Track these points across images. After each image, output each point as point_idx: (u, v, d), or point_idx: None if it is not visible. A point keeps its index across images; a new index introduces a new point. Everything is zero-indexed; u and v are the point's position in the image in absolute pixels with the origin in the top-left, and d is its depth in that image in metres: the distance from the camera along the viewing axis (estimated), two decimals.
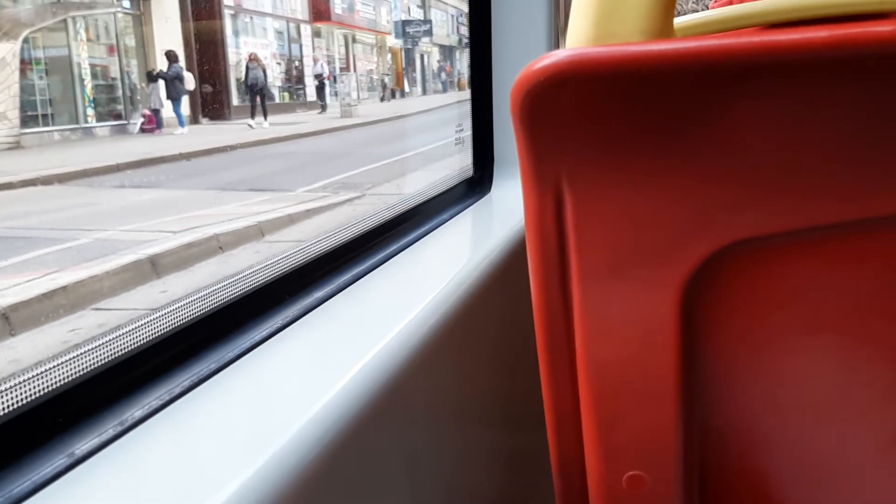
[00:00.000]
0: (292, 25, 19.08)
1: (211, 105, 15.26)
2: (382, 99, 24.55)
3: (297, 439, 0.54)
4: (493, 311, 1.02)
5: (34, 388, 0.54)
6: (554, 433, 0.61)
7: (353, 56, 23.46)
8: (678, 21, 0.77)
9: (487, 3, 1.48)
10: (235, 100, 16.26)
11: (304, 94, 17.37)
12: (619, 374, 0.57)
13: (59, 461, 0.50)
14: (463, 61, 41.76)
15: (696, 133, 0.49)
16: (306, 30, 19.55)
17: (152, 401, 0.58)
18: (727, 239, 0.53)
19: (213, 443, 0.54)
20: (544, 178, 0.52)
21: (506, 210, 1.37)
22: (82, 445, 0.52)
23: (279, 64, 17.85)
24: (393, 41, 27.52)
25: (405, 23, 28.57)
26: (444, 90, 35.38)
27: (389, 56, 27.82)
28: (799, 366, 0.58)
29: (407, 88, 29.91)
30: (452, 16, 39.19)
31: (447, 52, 38.87)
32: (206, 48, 15.56)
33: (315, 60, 17.45)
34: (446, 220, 1.23)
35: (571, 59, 0.47)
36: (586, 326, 0.56)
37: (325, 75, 16.87)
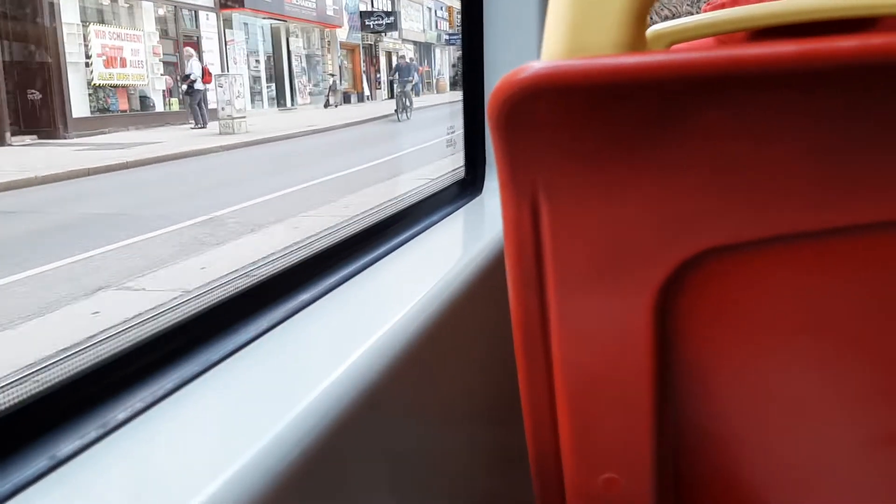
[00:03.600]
0: (186, 12, 14.87)
1: (34, 116, 11.19)
2: (328, 104, 20.20)
3: (279, 440, 0.54)
4: (480, 312, 1.01)
5: (17, 390, 0.55)
6: (531, 436, 0.63)
7: (289, 53, 19.25)
8: (668, 24, 0.76)
9: (479, 5, 1.40)
10: (85, 109, 11.94)
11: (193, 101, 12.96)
12: (595, 378, 0.60)
13: (40, 463, 0.50)
14: (444, 61, 38.16)
15: (669, 143, 0.51)
16: (209, 18, 15.42)
17: (135, 403, 0.58)
18: (700, 246, 0.55)
19: (194, 444, 0.55)
20: (521, 187, 0.54)
21: (496, 211, 1.11)
22: (65, 447, 0.52)
23: (164, 63, 13.64)
24: (348, 36, 23.29)
25: (365, 14, 24.28)
26: (416, 93, 31.55)
27: (343, 53, 23.65)
28: (772, 369, 0.60)
29: (367, 91, 25.68)
30: (430, 9, 35.06)
31: (424, 49, 34.86)
32: (22, 38, 11.54)
33: (188, 58, 13.14)
34: (437, 222, 1.21)
35: (545, 71, 0.50)
36: (562, 332, 0.58)
37: (196, 78, 12.68)
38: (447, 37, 34.71)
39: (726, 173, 0.52)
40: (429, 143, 10.78)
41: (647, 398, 0.59)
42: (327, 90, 20.88)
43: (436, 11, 34.05)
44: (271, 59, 18.79)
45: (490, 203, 1.37)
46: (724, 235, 0.54)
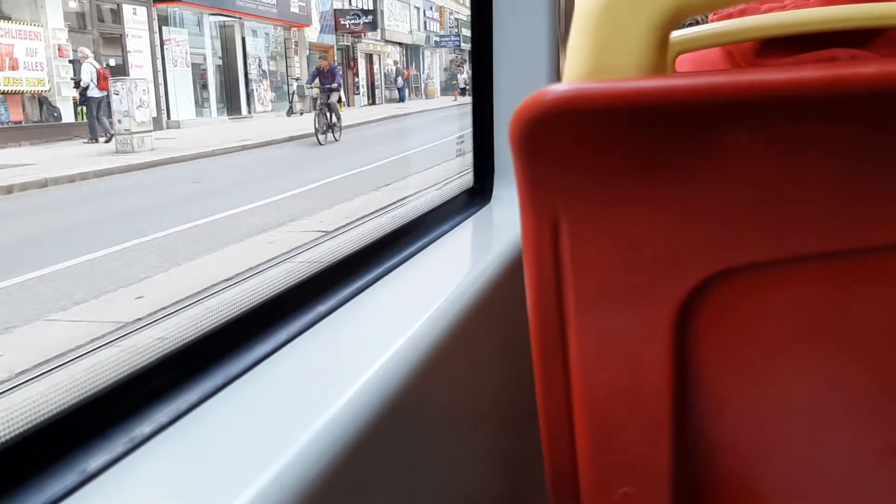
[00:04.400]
0: (107, 7, 12.72)
1: None
2: (292, 112, 18.03)
3: (302, 453, 0.56)
4: (493, 321, 1.02)
5: (47, 406, 0.57)
6: (548, 450, 0.64)
7: (245, 55, 17.11)
8: (678, 34, 0.77)
9: (489, 14, 1.40)
10: None
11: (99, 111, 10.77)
12: (613, 394, 0.61)
13: (72, 477, 0.52)
14: (434, 64, 35.87)
15: (689, 165, 0.53)
16: (136, 13, 13.29)
17: (160, 417, 0.59)
18: (719, 266, 0.56)
19: (220, 457, 0.57)
20: (541, 207, 0.56)
21: (505, 220, 1.34)
22: (94, 462, 0.54)
23: (72, 63, 11.50)
24: (319, 36, 21.17)
25: (340, 13, 22.11)
26: (401, 99, 29.08)
27: (316, 56, 21.55)
28: (789, 387, 0.61)
29: (343, 97, 23.58)
30: (418, 9, 32.81)
31: (411, 52, 32.63)
32: None
33: (82, 59, 10.94)
34: (447, 231, 1.22)
35: (568, 94, 0.51)
36: (581, 348, 0.59)
37: (87, 84, 10.52)
38: (437, 38, 32.54)
39: (746, 195, 0.53)
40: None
41: (665, 414, 0.60)
42: (291, 96, 18.71)
43: (424, 11, 31.88)
44: (224, 61, 16.63)
45: (499, 212, 1.38)
46: (743, 256, 0.56)
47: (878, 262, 0.56)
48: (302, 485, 0.54)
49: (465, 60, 35.30)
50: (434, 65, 32.87)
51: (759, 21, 0.80)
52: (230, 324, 0.75)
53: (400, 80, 27.63)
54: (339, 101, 13.12)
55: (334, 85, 12.89)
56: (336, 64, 14.87)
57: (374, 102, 25.47)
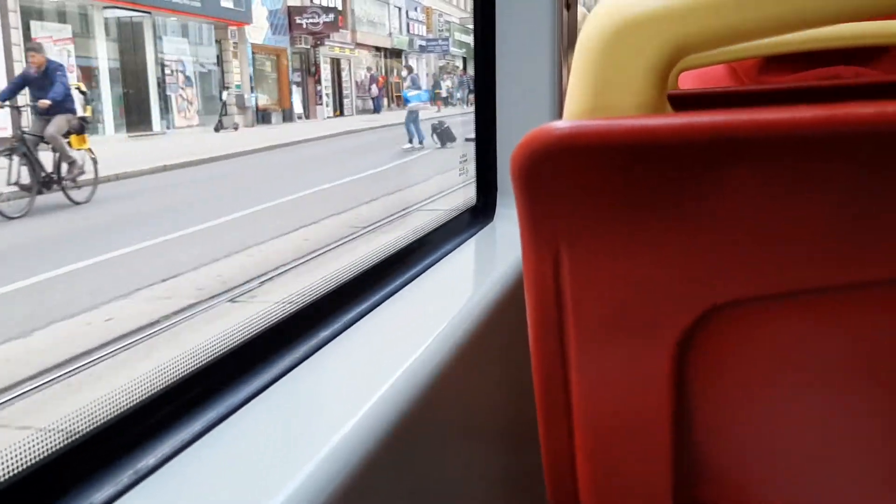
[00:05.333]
0: None
1: None
2: (221, 127, 14.93)
3: (306, 482, 0.57)
4: (497, 340, 1.03)
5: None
6: (550, 472, 0.65)
7: (158, 58, 14.07)
8: None
9: (492, 32, 1.43)
10: None
11: None
12: (615, 421, 0.62)
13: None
14: (420, 70, 32.74)
15: (689, 201, 0.54)
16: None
17: (164, 448, 0.61)
18: (718, 299, 0.58)
19: (222, 488, 0.59)
20: (543, 238, 0.57)
21: (508, 239, 1.36)
22: (100, 495, 0.56)
23: None
24: (266, 38, 18.09)
25: (296, 11, 18.99)
26: (377, 109, 25.87)
27: (264, 60, 18.42)
28: (789, 416, 0.62)
29: (298, 109, 20.28)
30: (399, 9, 29.58)
31: (393, 57, 29.42)
32: None
33: None
34: (451, 251, 1.24)
35: (569, 131, 0.53)
36: (582, 378, 0.60)
37: None
38: (423, 42, 29.44)
39: (745, 230, 0.54)
40: None
41: (665, 441, 0.61)
42: (222, 108, 15.62)
43: (408, 12, 28.69)
44: (127, 66, 13.57)
45: (502, 230, 1.39)
46: (742, 290, 0.56)
47: (878, 295, 0.56)
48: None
49: (458, 67, 32.49)
50: (420, 71, 29.88)
51: (764, 39, 0.77)
52: (230, 354, 0.75)
53: (374, 88, 24.56)
54: (78, 130, 6.86)
55: (47, 102, 6.64)
56: (59, 64, 7.38)
57: (341, 114, 22.37)
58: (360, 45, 23.88)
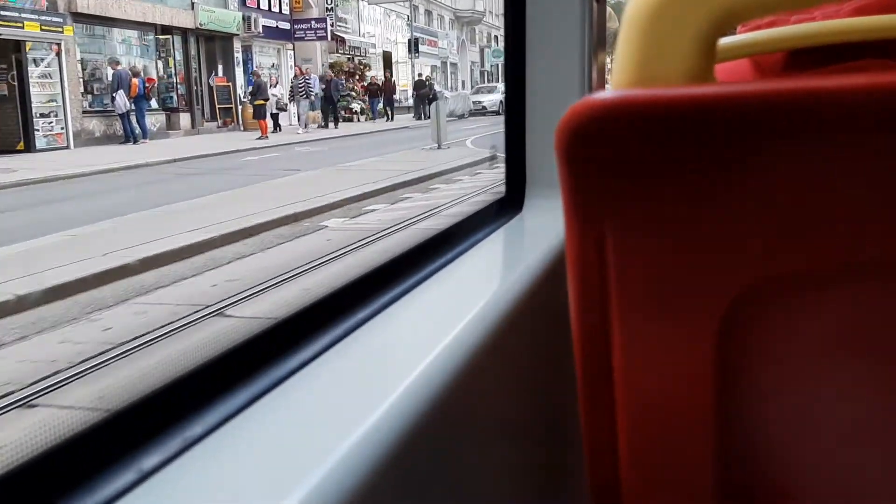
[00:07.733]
0: None
1: None
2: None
3: (342, 462, 0.57)
4: (528, 331, 1.04)
5: (105, 408, 0.61)
6: (591, 461, 0.64)
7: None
8: None
9: (522, 24, 1.47)
10: None
11: None
12: (658, 405, 0.61)
13: (128, 476, 0.54)
14: (283, 68, 22.85)
15: (734, 175, 0.53)
16: None
17: (211, 418, 0.62)
18: (762, 275, 0.57)
19: (268, 458, 0.59)
20: (587, 216, 0.56)
21: (538, 230, 1.37)
22: (149, 461, 0.56)
23: None
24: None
25: None
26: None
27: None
28: (834, 394, 0.61)
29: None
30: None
31: (220, 47, 20.48)
32: None
33: None
34: (480, 241, 1.26)
35: (616, 100, 0.51)
36: (626, 358, 0.59)
37: None
38: (274, 23, 23.33)
39: (789, 205, 0.52)
40: None
41: (709, 422, 0.59)
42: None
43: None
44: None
45: (531, 221, 1.41)
46: (784, 265, 0.55)
47: None
48: (341, 493, 0.54)
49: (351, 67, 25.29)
50: (283, 68, 23.39)
51: (789, 32, 0.80)
52: (273, 329, 0.75)
53: (119, 97, 16.09)
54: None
55: None
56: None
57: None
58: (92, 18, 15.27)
